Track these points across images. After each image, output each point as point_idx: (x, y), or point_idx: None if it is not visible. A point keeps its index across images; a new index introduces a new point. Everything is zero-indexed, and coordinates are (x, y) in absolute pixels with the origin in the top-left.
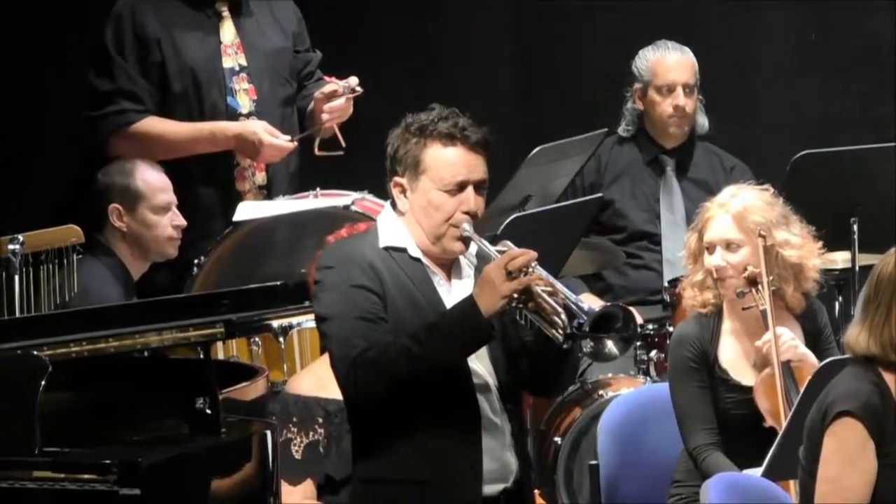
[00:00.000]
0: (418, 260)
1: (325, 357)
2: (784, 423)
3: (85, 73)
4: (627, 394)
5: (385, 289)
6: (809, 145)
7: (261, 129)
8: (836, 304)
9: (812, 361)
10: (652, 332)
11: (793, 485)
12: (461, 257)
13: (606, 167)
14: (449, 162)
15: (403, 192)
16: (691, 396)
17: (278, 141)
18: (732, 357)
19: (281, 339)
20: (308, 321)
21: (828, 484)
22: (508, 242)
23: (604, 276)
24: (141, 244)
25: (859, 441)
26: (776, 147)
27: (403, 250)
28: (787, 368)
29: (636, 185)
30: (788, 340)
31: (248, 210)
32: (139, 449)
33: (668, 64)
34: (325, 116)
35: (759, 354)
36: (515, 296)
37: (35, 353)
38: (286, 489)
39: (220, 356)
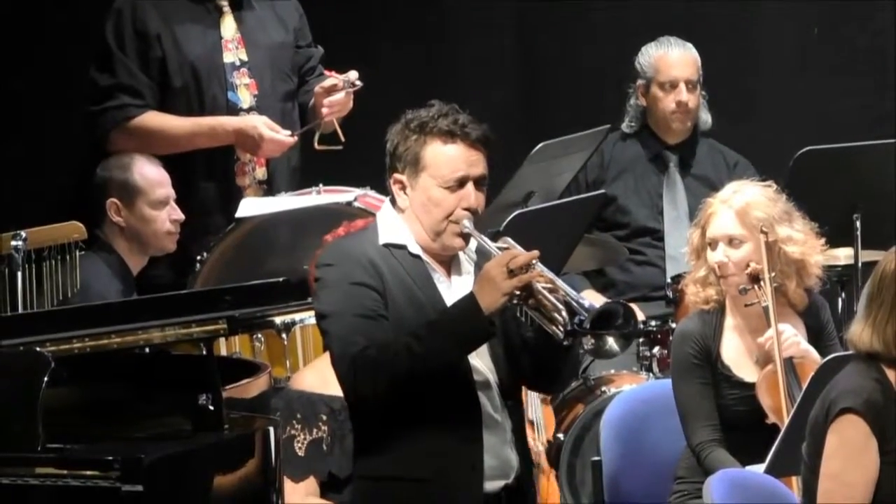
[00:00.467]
0: (418, 257)
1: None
2: (786, 420)
3: (86, 69)
4: (630, 390)
5: (385, 286)
6: (812, 142)
7: (261, 124)
8: (839, 300)
9: (814, 358)
10: (655, 329)
11: (795, 481)
12: (461, 254)
13: (609, 163)
14: (449, 158)
15: (403, 188)
16: (694, 393)
17: (278, 136)
18: (735, 353)
19: (283, 336)
20: (311, 318)
21: (830, 480)
22: (509, 238)
23: (607, 273)
24: (139, 239)
25: (862, 438)
26: (779, 143)
27: (403, 247)
28: (790, 365)
29: (639, 182)
30: (791, 337)
31: (251, 206)
32: (142, 445)
33: (671, 60)
34: (324, 110)
35: (761, 351)
36: (516, 293)
37: (38, 349)
38: (289, 486)
39: (223, 352)
